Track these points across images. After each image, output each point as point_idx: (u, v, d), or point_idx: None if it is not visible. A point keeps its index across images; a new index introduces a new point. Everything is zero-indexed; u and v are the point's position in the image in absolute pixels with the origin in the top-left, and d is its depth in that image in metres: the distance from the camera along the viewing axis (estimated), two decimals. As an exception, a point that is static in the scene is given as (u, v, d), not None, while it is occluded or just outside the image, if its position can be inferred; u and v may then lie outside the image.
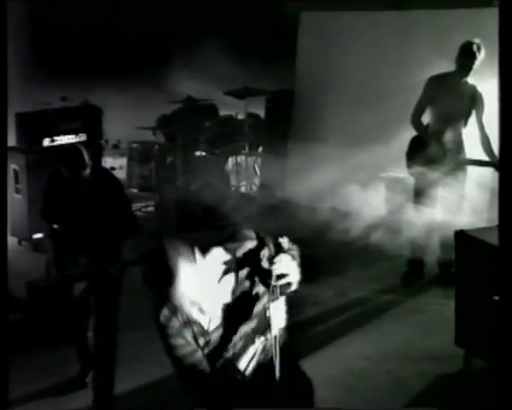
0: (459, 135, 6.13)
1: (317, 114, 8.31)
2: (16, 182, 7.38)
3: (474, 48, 5.90)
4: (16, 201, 7.28)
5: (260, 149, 9.31)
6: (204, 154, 8.56)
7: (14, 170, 7.36)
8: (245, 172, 9.03)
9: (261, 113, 9.45)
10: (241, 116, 9.01)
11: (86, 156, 4.53)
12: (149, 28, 9.68)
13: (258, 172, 9.19)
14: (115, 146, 8.79)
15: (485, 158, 6.03)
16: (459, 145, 6.13)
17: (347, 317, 5.86)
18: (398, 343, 5.41)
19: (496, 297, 4.39)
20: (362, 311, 5.96)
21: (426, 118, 6.21)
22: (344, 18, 8.24)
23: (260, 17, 9.46)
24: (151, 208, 8.47)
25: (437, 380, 4.90)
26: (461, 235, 4.97)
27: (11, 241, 6.95)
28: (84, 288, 4.69)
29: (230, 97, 8.87)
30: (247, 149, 8.90)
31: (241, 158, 9.08)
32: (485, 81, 5.99)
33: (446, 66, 6.14)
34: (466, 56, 5.93)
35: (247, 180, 9.03)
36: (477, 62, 5.92)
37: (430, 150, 6.01)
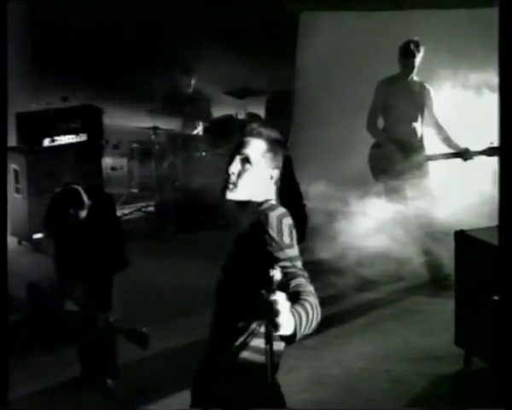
0: (416, 134, 6.23)
1: (316, 114, 8.31)
2: (16, 182, 7.37)
3: (412, 46, 6.10)
4: (16, 201, 7.28)
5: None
6: (204, 154, 8.56)
7: (15, 170, 7.36)
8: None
9: (261, 113, 9.45)
10: (241, 116, 9.01)
11: (85, 197, 4.66)
12: (150, 28, 9.68)
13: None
14: (115, 146, 8.77)
15: (448, 150, 6.13)
16: (418, 143, 6.23)
17: (347, 317, 5.85)
18: (398, 343, 5.41)
19: (496, 297, 4.39)
20: (362, 311, 5.96)
21: (381, 122, 6.36)
22: (344, 18, 8.24)
23: (260, 17, 9.46)
24: (151, 208, 8.47)
25: (437, 380, 4.90)
26: (461, 235, 4.97)
27: (11, 241, 6.95)
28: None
29: (230, 97, 8.87)
30: (247, 148, 8.88)
31: (241, 158, 9.06)
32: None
33: (447, 66, 6.16)
34: (406, 56, 6.14)
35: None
36: (417, 60, 6.11)
37: (389, 154, 6.16)
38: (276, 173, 2.87)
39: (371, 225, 6.28)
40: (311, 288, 2.58)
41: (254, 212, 2.80)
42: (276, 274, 2.43)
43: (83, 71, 8.63)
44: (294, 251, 2.71)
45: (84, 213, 4.69)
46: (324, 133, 8.03)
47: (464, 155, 5.95)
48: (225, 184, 2.82)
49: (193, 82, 8.59)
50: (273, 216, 2.73)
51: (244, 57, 8.59)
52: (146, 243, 7.54)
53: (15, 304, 5.53)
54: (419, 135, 6.26)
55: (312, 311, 2.50)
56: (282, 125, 8.88)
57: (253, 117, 9.23)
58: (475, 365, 4.92)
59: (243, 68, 8.54)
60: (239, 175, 2.81)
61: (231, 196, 2.83)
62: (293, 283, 2.56)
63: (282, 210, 2.79)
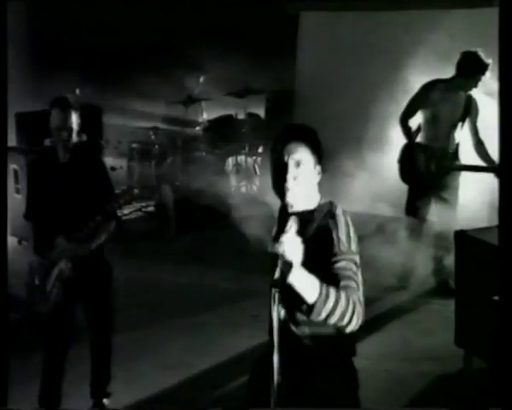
0: (453, 141, 6.02)
1: (316, 114, 8.31)
2: (16, 182, 7.38)
3: (485, 60, 5.67)
4: (16, 201, 7.28)
5: (260, 149, 9.32)
6: (204, 154, 8.57)
7: (14, 170, 7.37)
8: (245, 172, 9.03)
9: (261, 113, 9.46)
10: (241, 116, 9.02)
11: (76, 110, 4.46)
12: (150, 28, 9.68)
13: (258, 172, 9.20)
14: (115, 146, 8.79)
15: (481, 164, 5.89)
16: (453, 151, 6.03)
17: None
18: (398, 343, 5.42)
19: (496, 297, 4.39)
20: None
21: (418, 120, 6.09)
22: (344, 18, 8.25)
23: (260, 17, 9.47)
24: (151, 208, 8.47)
25: (437, 380, 4.91)
26: (461, 235, 4.97)
27: (11, 241, 6.95)
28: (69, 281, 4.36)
29: (230, 97, 8.88)
30: (247, 149, 8.91)
31: (241, 158, 9.09)
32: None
33: (446, 67, 6.15)
34: (476, 69, 5.71)
35: (247, 180, 9.04)
36: (485, 77, 5.71)
37: (417, 156, 5.94)
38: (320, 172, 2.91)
39: (373, 225, 6.30)
40: (357, 289, 2.67)
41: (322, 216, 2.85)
42: (293, 225, 2.50)
43: (83, 71, 8.63)
44: (356, 257, 2.78)
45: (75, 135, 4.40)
46: (324, 133, 8.03)
47: (497, 170, 5.57)
48: (282, 190, 2.80)
49: (201, 80, 8.59)
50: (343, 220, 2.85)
51: (244, 57, 8.59)
52: (146, 243, 7.54)
53: (15, 304, 5.52)
54: (455, 144, 6.02)
55: (346, 303, 2.57)
56: (282, 125, 8.90)
57: (253, 117, 9.25)
58: (475, 364, 4.93)
59: (243, 68, 8.54)
60: (295, 179, 2.81)
61: (291, 201, 2.81)
62: (343, 282, 2.65)
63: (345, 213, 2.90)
